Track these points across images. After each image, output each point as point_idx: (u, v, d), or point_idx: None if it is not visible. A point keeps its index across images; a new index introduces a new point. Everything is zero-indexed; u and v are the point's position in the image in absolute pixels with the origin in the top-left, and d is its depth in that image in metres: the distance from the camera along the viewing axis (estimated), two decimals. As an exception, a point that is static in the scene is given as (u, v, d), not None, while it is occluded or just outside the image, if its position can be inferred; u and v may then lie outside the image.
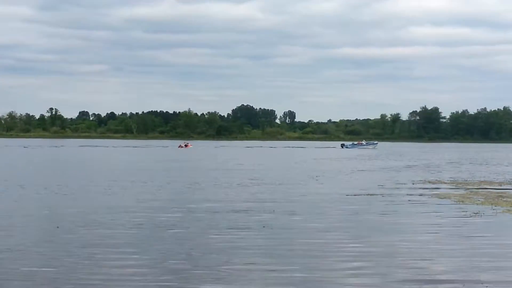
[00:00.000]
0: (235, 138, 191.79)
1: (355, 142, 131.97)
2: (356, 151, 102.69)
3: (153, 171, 43.45)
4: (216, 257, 13.35)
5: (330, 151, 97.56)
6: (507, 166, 56.76)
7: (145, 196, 25.72)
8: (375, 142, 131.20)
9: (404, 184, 33.38)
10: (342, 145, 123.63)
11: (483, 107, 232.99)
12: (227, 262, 12.80)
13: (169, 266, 12.49)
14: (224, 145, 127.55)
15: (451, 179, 37.84)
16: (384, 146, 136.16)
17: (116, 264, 12.63)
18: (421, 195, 27.36)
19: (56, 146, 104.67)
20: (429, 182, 35.19)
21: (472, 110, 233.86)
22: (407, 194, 27.44)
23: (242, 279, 11.49)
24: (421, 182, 35.10)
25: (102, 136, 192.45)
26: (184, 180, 34.50)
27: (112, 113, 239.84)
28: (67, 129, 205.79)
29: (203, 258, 13.30)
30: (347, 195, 26.82)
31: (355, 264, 12.85)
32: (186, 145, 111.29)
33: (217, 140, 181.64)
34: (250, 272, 12.00)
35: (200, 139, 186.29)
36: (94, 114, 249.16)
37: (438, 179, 37.63)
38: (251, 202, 23.79)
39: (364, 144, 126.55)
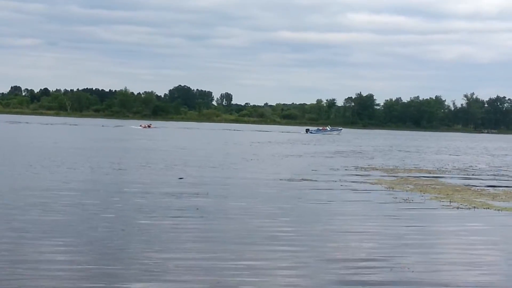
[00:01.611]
0: (171, 119, 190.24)
1: (320, 128, 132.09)
2: (319, 136, 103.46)
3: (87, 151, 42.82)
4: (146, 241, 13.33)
5: (266, 135, 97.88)
6: (436, 154, 58.36)
7: (73, 177, 25.35)
8: (340, 129, 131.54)
9: (337, 169, 33.93)
10: (307, 130, 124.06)
11: (416, 96, 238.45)
12: (160, 251, 12.79)
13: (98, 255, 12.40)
14: (187, 127, 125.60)
15: (382, 165, 38.68)
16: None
17: (42, 250, 12.44)
18: (352, 181, 27.88)
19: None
20: (361, 168, 35.89)
21: (406, 98, 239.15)
22: (339, 180, 27.91)
23: (175, 271, 11.51)
24: (353, 168, 35.76)
25: (35, 112, 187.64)
26: (112, 161, 34.12)
27: (45, 89, 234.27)
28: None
29: (132, 245, 13.26)
30: (280, 180, 27.08)
31: (286, 248, 13.03)
32: (149, 126, 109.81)
33: (153, 120, 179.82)
34: (184, 261, 12.04)
35: (136, 119, 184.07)
36: (26, 89, 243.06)
37: (370, 165, 38.41)
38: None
39: (328, 130, 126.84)
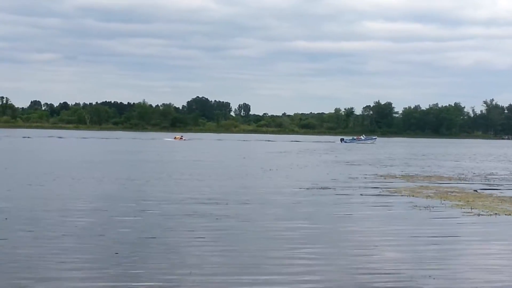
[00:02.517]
0: (190, 130, 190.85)
1: (354, 137, 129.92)
2: (354, 145, 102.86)
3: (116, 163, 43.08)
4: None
5: (300, 145, 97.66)
6: (456, 161, 57.98)
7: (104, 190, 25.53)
8: (374, 137, 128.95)
9: (356, 178, 33.84)
10: (342, 140, 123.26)
11: (434, 103, 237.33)
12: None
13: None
14: (221, 138, 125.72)
15: (402, 173, 38.50)
16: (308, 139, 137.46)
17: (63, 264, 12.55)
18: (373, 188, 27.81)
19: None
20: (381, 176, 35.76)
21: (424, 106, 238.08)
22: (359, 188, 27.85)
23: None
24: (373, 176, 35.64)
25: (54, 126, 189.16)
26: (141, 173, 34.29)
27: (65, 103, 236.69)
28: (18, 119, 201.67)
29: (150, 259, 13.34)
30: (300, 188, 27.08)
31: (306, 262, 13.03)
32: (181, 138, 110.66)
33: (171, 132, 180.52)
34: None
35: (155, 131, 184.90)
36: (46, 103, 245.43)
37: (389, 173, 38.25)
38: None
39: (363, 139, 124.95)
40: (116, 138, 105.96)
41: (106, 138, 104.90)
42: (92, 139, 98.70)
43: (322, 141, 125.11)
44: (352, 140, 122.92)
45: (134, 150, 66.43)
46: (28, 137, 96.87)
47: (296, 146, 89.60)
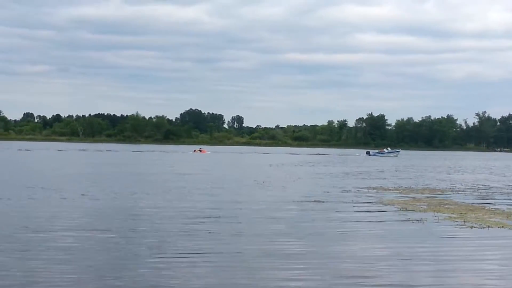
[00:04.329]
0: (183, 143, 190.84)
1: (379, 150, 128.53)
2: (377, 159, 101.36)
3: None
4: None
5: (280, 157, 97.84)
6: (449, 173, 58.07)
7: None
8: (398, 150, 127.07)
9: (349, 191, 33.81)
10: (367, 153, 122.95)
11: (427, 115, 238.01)
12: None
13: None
14: (235, 151, 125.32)
15: (395, 185, 38.52)
16: (331, 152, 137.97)
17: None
18: (365, 202, 27.79)
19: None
20: (374, 188, 35.75)
21: (417, 118, 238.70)
22: (352, 201, 27.83)
23: None
24: (366, 188, 35.63)
25: (47, 138, 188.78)
26: (124, 186, 34.20)
27: (58, 115, 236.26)
28: (10, 131, 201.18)
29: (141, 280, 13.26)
30: (293, 201, 27.05)
31: (298, 266, 12.99)
32: (200, 150, 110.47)
33: (165, 144, 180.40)
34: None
35: (148, 143, 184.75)
36: (39, 116, 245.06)
37: (382, 185, 38.25)
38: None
39: (386, 152, 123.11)
40: (139, 151, 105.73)
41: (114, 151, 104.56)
42: (110, 153, 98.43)
43: (349, 154, 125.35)
44: (377, 153, 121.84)
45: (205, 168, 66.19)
46: (27, 150, 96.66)
47: (300, 158, 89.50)
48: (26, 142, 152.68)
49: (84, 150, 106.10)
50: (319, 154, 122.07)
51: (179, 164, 64.44)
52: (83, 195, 27.59)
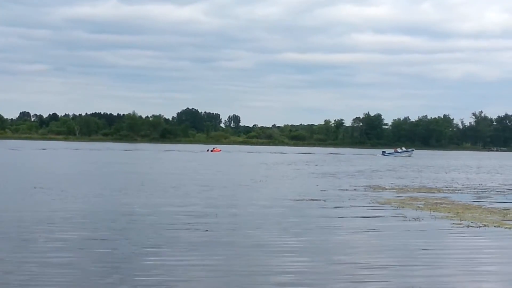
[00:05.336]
0: (180, 142, 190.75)
1: (394, 150, 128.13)
2: (390, 159, 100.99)
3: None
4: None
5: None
6: (446, 172, 58.12)
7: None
8: (411, 150, 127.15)
9: (346, 190, 33.79)
10: (383, 152, 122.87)
11: (424, 115, 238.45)
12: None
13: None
14: (252, 151, 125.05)
15: (392, 184, 38.53)
16: (327, 151, 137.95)
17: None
18: (362, 200, 27.77)
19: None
20: (370, 187, 35.75)
21: (414, 118, 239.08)
22: (349, 199, 27.82)
23: None
24: (363, 187, 35.63)
25: (44, 137, 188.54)
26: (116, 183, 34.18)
27: (54, 114, 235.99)
28: (7, 130, 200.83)
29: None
30: (289, 200, 27.03)
31: (295, 263, 12.98)
32: (213, 149, 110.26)
33: (161, 143, 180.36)
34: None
35: (144, 142, 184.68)
36: (35, 114, 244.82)
37: (379, 184, 38.26)
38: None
39: (400, 151, 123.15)
40: (141, 150, 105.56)
41: (124, 150, 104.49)
42: (114, 151, 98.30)
43: (364, 154, 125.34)
44: (391, 153, 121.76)
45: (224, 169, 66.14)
46: (13, 149, 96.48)
47: (305, 157, 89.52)
48: (22, 141, 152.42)
49: (77, 149, 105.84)
50: (337, 154, 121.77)
51: (189, 164, 64.37)
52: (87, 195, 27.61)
